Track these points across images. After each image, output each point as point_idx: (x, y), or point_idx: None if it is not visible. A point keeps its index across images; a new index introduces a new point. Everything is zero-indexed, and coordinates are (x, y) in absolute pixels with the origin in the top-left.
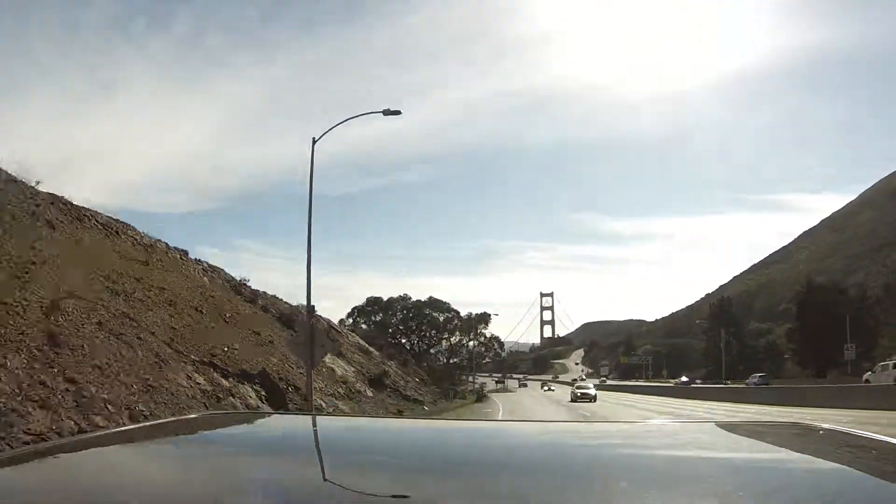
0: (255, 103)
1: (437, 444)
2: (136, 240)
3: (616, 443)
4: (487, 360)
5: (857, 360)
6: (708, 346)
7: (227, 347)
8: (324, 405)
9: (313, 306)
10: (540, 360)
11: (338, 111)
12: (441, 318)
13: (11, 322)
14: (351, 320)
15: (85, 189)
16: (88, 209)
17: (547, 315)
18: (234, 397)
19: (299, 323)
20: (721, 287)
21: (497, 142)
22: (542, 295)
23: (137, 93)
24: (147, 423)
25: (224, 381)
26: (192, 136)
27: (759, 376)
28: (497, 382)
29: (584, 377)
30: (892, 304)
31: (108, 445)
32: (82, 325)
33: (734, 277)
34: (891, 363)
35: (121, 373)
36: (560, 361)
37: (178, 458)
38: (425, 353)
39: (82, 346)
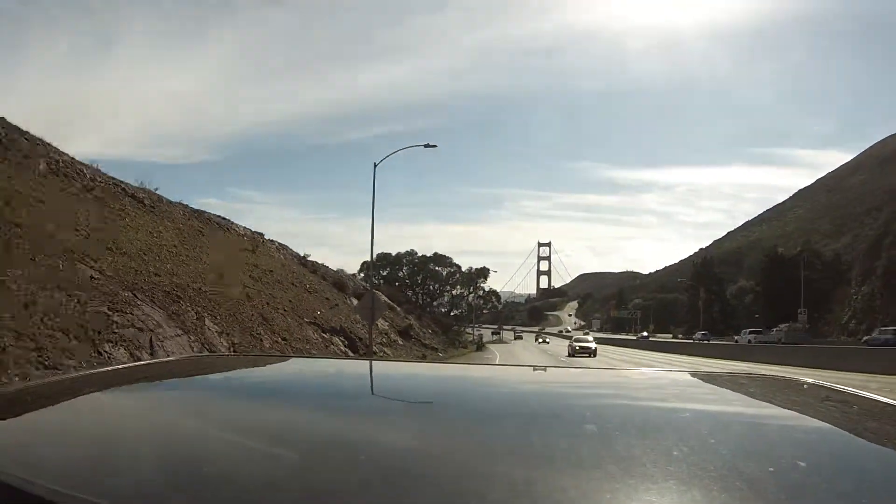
0: (255, 51)
1: (454, 377)
2: (237, 231)
3: (602, 392)
4: (485, 311)
5: (811, 322)
6: (690, 304)
7: (320, 312)
8: (377, 351)
9: (373, 280)
10: (535, 312)
11: (342, 56)
12: (444, 273)
13: (245, 310)
14: (363, 275)
15: (89, 142)
16: (204, 211)
17: (544, 265)
18: (334, 346)
19: (365, 292)
20: (716, 242)
21: (497, 90)
22: (540, 244)
23: (139, 43)
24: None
25: (324, 335)
26: (192, 86)
27: (703, 333)
28: (493, 334)
29: (569, 329)
30: (864, 270)
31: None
32: (261, 306)
33: (728, 233)
34: (748, 330)
35: (294, 332)
36: (554, 313)
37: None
38: (429, 305)
39: (271, 319)
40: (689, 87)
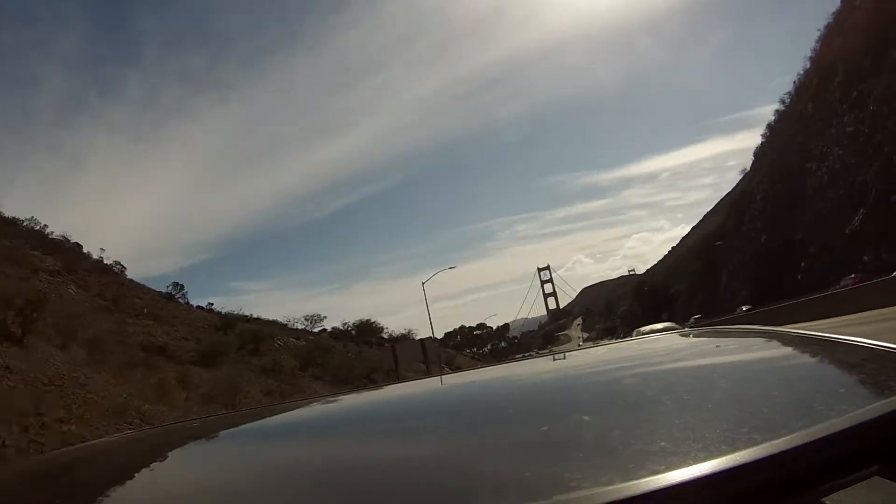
0: (219, 148)
1: (476, 389)
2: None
3: (622, 366)
4: (512, 346)
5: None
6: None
7: None
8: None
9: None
10: (548, 336)
11: (300, 134)
12: (482, 333)
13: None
14: (440, 341)
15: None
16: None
17: (548, 288)
18: None
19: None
20: (693, 229)
21: (458, 129)
22: (539, 269)
23: (106, 163)
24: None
25: None
26: (166, 192)
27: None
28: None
29: (579, 344)
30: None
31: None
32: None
33: (704, 216)
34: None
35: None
36: (564, 333)
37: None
38: (477, 354)
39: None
40: (642, 81)
